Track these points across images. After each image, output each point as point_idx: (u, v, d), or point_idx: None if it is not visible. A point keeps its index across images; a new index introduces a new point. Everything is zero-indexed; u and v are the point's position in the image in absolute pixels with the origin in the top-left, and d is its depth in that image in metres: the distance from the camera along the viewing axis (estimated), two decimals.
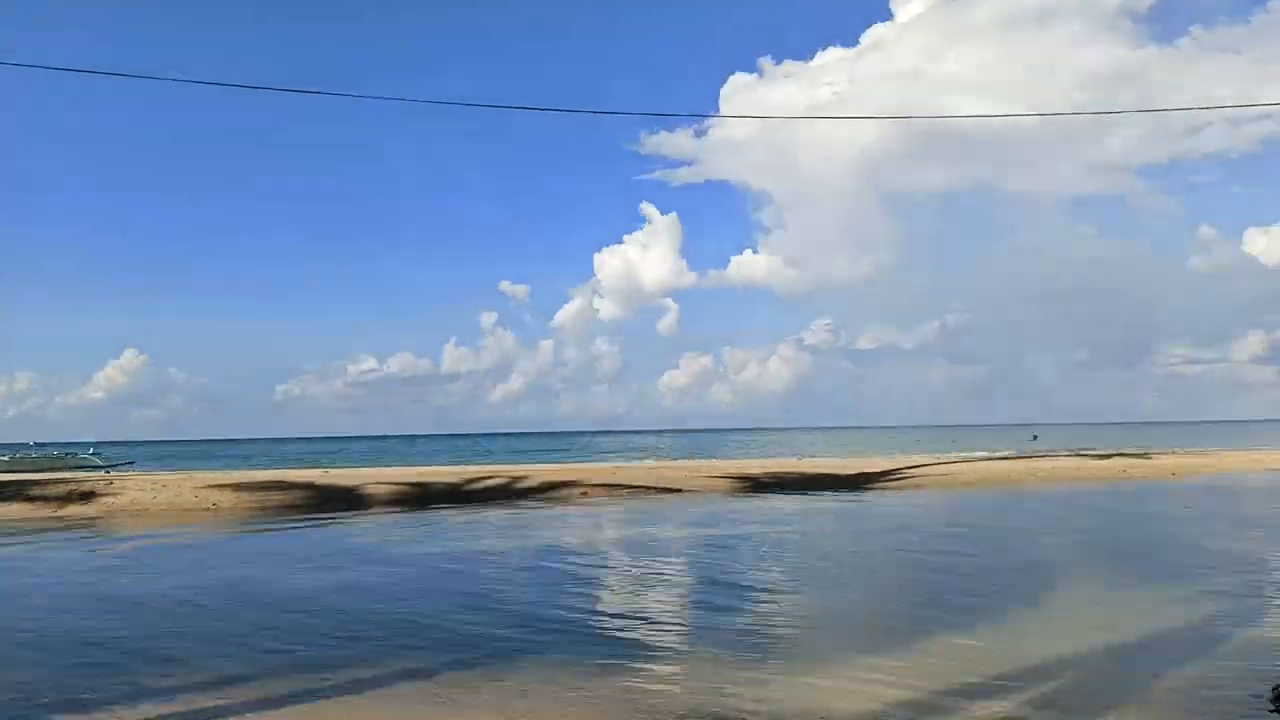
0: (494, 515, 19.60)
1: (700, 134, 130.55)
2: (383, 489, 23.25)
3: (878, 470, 30.13)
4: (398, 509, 20.98)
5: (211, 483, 23.61)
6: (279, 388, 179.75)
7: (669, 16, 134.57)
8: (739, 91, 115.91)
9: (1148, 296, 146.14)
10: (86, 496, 21.32)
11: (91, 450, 55.65)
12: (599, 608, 9.27)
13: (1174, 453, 40.19)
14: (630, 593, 10.27)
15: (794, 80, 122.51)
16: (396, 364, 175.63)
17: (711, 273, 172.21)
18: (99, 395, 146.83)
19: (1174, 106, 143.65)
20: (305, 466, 41.19)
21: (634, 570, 11.82)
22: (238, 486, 22.90)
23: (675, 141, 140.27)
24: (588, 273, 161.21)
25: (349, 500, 22.17)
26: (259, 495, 22.18)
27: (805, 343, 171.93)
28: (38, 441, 56.44)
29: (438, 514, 19.91)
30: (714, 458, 49.83)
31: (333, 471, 31.48)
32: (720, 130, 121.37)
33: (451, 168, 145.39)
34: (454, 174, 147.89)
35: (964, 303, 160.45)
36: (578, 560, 12.60)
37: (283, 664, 7.08)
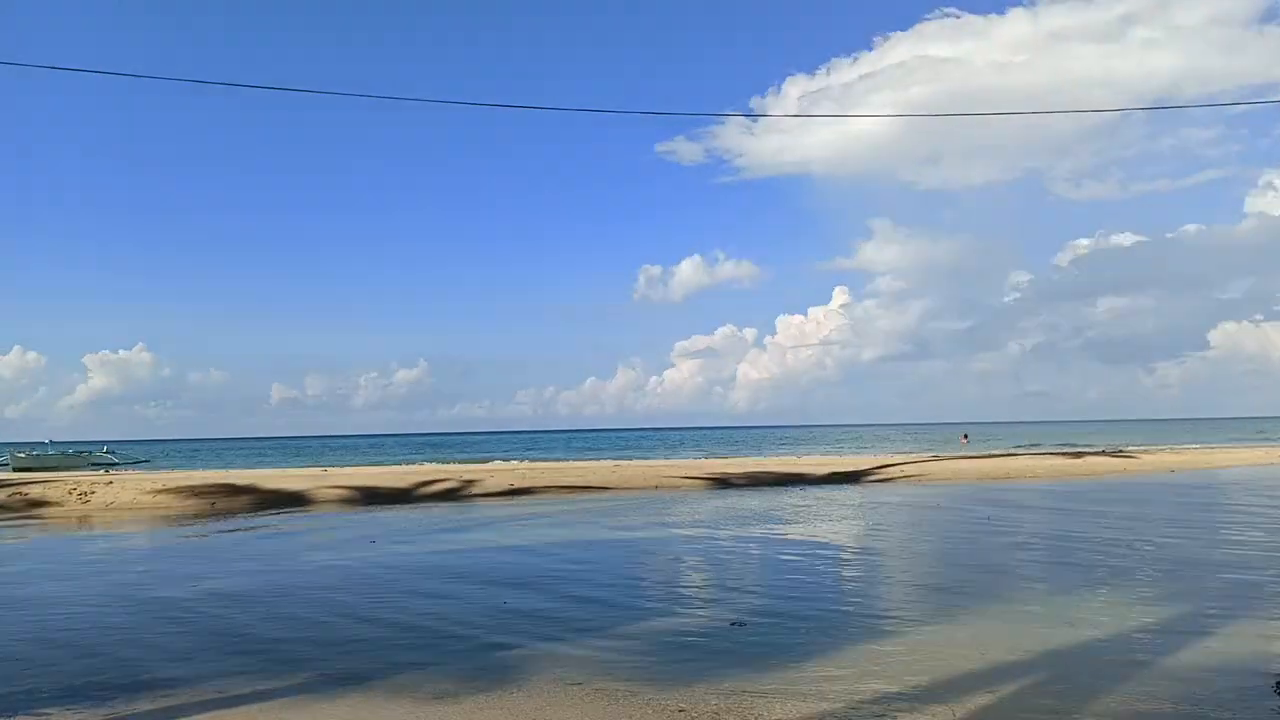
0: (422, 516, 19.31)
1: (698, 138, 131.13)
2: (330, 492, 23.24)
3: (851, 469, 30.77)
4: (336, 509, 20.85)
5: (167, 485, 23.74)
6: (320, 385, 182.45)
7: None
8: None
9: None
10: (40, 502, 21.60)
11: (106, 449, 57.36)
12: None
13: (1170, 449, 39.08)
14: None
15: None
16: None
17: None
18: (127, 393, 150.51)
19: (1172, 105, 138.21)
20: (308, 466, 42.11)
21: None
22: (191, 490, 23.06)
23: (690, 148, 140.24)
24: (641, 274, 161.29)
25: (294, 502, 22.19)
26: (208, 498, 22.30)
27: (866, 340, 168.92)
28: (53, 439, 58.03)
29: (364, 515, 19.67)
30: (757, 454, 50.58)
31: (332, 471, 31.73)
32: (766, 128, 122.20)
33: (456, 164, 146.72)
34: (460, 171, 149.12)
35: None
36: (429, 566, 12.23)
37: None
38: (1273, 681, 5.98)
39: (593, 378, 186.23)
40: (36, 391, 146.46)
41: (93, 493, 22.52)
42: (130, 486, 23.60)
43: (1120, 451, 36.21)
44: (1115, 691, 5.89)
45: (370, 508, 21.47)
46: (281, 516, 19.68)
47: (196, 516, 20.13)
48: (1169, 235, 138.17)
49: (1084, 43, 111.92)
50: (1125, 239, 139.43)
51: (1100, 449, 38.99)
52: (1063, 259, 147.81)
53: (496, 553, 13.27)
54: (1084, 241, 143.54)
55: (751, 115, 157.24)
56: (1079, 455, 34.42)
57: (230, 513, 20.62)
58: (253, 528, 17.74)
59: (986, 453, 43.79)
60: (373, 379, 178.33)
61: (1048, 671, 6.38)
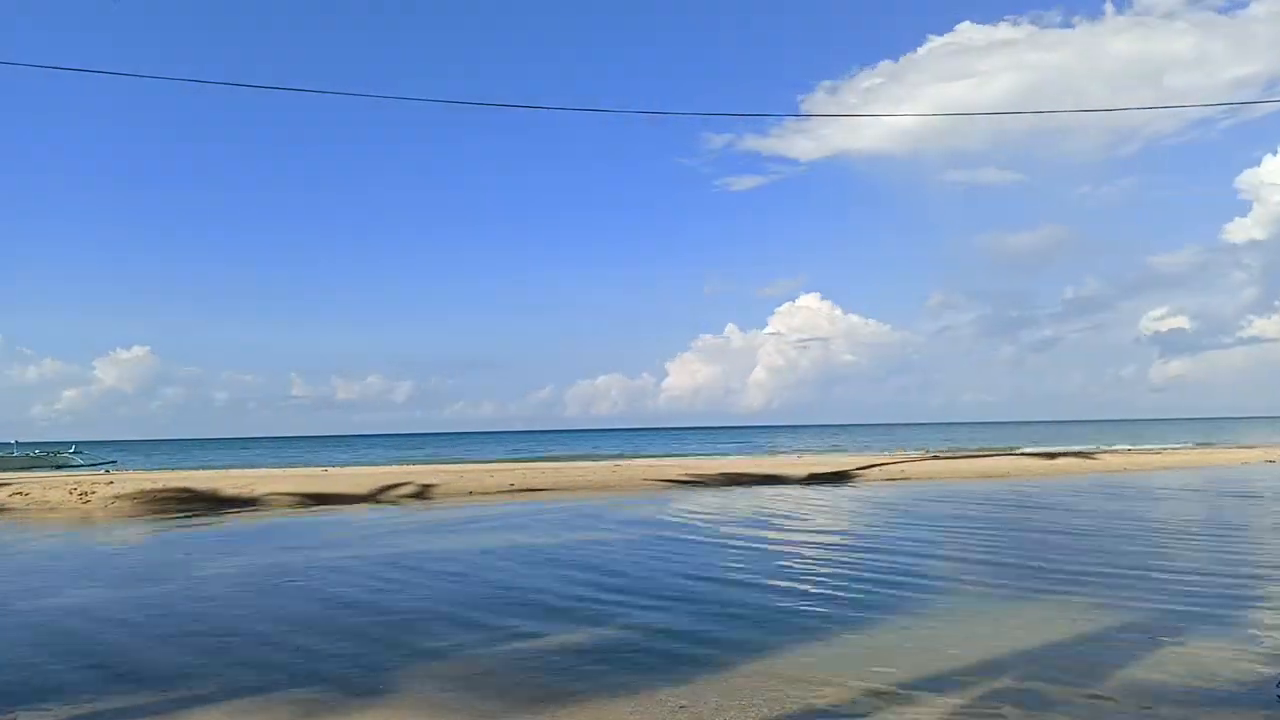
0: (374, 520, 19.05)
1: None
2: (281, 497, 23.10)
3: (836, 469, 30.86)
4: (292, 510, 20.68)
5: (121, 493, 23.63)
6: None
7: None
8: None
9: None
10: None
11: (73, 449, 57.15)
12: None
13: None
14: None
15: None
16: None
17: None
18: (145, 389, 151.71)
19: (1170, 104, 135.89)
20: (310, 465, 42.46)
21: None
22: (140, 494, 22.95)
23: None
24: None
25: (247, 505, 22.11)
26: (159, 502, 22.20)
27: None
28: (19, 440, 57.40)
29: (314, 517, 19.44)
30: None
31: (334, 471, 31.62)
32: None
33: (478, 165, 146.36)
34: (471, 171, 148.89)
35: None
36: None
37: None
38: (1275, 679, 5.90)
39: (620, 375, 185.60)
40: (46, 394, 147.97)
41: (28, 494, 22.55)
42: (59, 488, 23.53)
43: (1089, 453, 36.08)
44: (1114, 682, 5.92)
45: (334, 509, 21.43)
46: (206, 521, 19.51)
47: (116, 518, 20.01)
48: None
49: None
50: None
51: (1075, 450, 38.94)
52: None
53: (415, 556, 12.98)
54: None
55: (764, 115, 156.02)
56: (1053, 456, 34.33)
57: (165, 516, 20.50)
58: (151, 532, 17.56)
59: (976, 453, 43.64)
60: (399, 378, 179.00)
61: (1037, 667, 6.32)
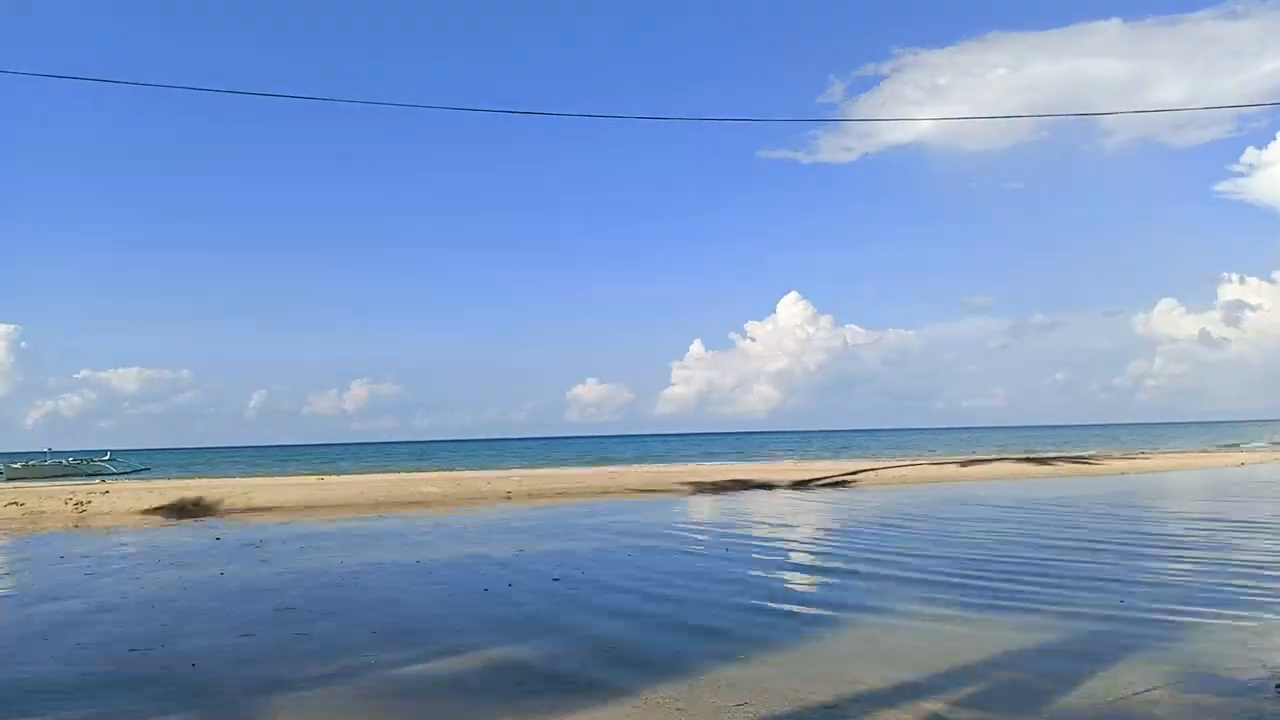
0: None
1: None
2: (277, 506, 23.27)
3: (820, 476, 30.81)
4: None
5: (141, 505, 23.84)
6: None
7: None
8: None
9: None
10: None
11: (108, 456, 57.25)
12: None
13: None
14: None
15: None
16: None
17: None
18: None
19: (1169, 107, 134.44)
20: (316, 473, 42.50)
21: None
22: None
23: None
24: None
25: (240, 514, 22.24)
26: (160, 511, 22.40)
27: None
28: (53, 449, 57.70)
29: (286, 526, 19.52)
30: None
31: (329, 479, 31.84)
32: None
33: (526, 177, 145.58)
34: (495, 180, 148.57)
35: None
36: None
37: None
38: (1272, 678, 5.86)
39: (623, 382, 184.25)
40: (49, 401, 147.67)
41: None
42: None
43: (1085, 458, 36.00)
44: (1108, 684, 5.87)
45: (328, 518, 21.47)
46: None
47: (108, 528, 20.02)
48: None
49: None
50: None
51: (1071, 455, 38.92)
52: None
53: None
54: None
55: (759, 120, 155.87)
56: (1045, 461, 34.36)
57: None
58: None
59: (969, 458, 43.57)
60: (407, 386, 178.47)
61: (1025, 668, 6.36)
